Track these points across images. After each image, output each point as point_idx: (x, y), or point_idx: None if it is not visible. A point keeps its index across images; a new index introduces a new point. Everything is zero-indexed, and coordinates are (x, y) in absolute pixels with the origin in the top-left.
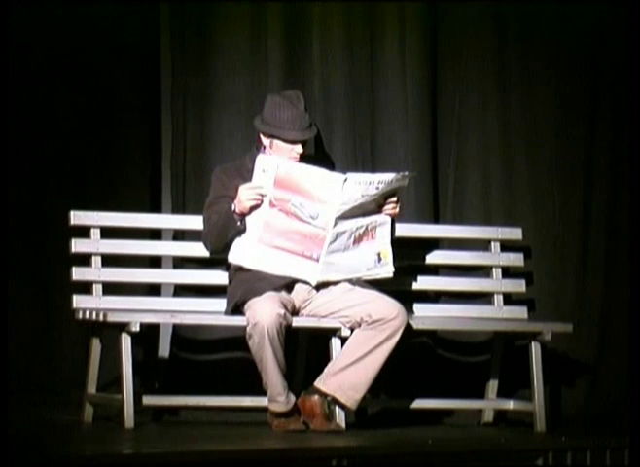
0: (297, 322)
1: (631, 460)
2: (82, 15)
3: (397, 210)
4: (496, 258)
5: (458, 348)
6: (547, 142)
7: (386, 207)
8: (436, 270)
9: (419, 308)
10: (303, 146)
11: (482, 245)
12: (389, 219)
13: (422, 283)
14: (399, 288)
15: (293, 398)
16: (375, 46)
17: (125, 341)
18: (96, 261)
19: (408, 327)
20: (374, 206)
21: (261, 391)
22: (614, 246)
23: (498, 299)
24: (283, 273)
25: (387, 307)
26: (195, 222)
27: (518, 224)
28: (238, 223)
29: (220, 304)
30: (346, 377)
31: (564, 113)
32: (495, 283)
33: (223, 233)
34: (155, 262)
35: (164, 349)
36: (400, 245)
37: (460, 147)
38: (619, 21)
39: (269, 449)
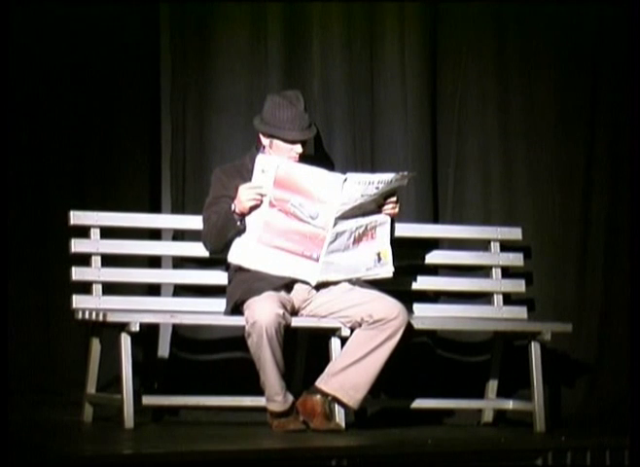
0: (296, 322)
1: (631, 460)
2: (82, 15)
3: (396, 210)
4: (496, 258)
5: (458, 348)
6: (547, 142)
7: (386, 207)
8: (436, 270)
9: (419, 308)
10: (303, 146)
11: (482, 245)
12: (389, 219)
13: (422, 283)
14: (399, 288)
15: (291, 398)
16: (375, 46)
17: (125, 341)
18: (96, 261)
19: (409, 327)
20: (374, 206)
21: (260, 391)
22: (614, 246)
23: (498, 299)
24: (283, 273)
25: (388, 307)
26: (194, 222)
27: (518, 224)
28: (238, 223)
29: (219, 304)
30: (347, 376)
31: (564, 113)
32: (495, 283)
33: (222, 233)
34: (154, 262)
35: (164, 349)
36: (400, 245)
37: (460, 147)
38: (619, 21)
39: (269, 449)
